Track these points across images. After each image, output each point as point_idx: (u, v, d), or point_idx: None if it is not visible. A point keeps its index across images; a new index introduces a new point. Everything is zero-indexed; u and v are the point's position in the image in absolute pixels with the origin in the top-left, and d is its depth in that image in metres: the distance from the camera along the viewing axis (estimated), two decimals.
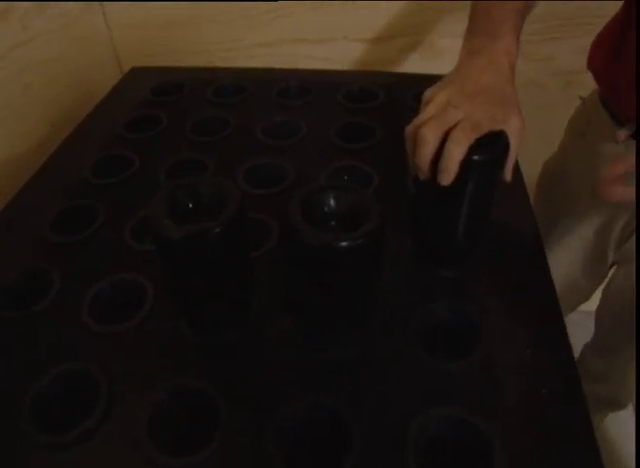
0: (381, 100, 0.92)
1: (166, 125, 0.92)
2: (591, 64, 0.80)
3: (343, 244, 0.43)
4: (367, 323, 0.57)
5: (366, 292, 0.52)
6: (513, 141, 0.54)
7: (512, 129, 0.53)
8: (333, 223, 0.47)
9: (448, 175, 0.50)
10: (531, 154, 1.02)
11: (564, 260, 0.98)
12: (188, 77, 1.04)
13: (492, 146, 0.53)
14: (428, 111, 0.53)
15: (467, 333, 0.56)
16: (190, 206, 0.49)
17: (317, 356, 0.55)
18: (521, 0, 0.63)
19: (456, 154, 0.49)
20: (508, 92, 0.55)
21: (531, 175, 1.01)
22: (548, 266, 0.65)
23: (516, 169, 0.78)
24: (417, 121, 0.53)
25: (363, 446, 0.47)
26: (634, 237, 0.84)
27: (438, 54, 1.13)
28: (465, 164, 0.51)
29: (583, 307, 1.10)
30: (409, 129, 0.54)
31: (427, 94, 0.56)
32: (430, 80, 0.60)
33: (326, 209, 0.47)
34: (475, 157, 0.51)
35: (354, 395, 0.51)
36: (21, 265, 0.66)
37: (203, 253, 0.47)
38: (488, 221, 0.62)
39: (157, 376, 0.53)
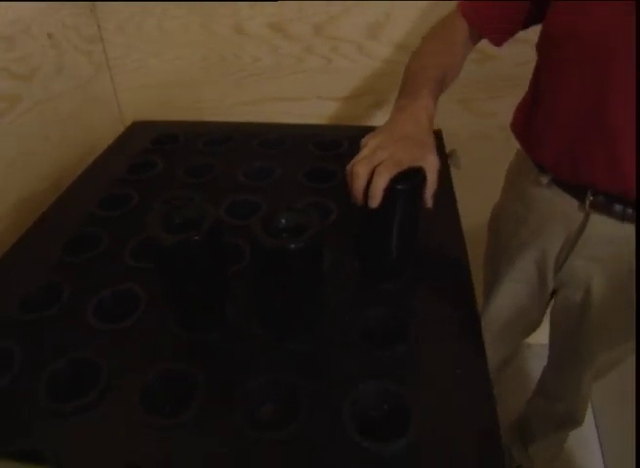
0: (345, 149, 1.09)
1: (162, 169, 1.08)
2: (513, 128, 0.97)
3: (290, 246, 0.58)
4: (318, 322, 0.71)
5: (313, 294, 0.66)
6: (430, 175, 0.69)
7: (429, 166, 0.69)
8: (284, 235, 0.62)
9: (374, 200, 0.65)
10: (481, 199, 1.18)
11: (512, 290, 1.11)
12: (183, 130, 1.22)
13: (412, 179, 0.68)
14: (362, 153, 0.69)
15: (398, 331, 0.70)
16: (177, 222, 0.63)
17: (278, 347, 0.69)
18: (438, 72, 0.80)
19: (379, 183, 0.64)
20: (425, 138, 0.71)
21: (485, 218, 1.17)
22: (472, 281, 0.79)
23: (451, 201, 0.94)
24: (353, 160, 0.69)
25: (308, 412, 0.60)
26: (567, 264, 0.98)
27: None
28: (391, 192, 0.66)
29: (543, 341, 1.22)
30: (348, 167, 0.69)
31: (363, 140, 0.72)
32: None
33: (280, 225, 0.62)
34: (398, 186, 0.67)
35: (306, 375, 0.64)
36: (40, 279, 0.80)
37: (188, 256, 0.62)
38: (417, 242, 0.77)
39: (147, 363, 0.66)
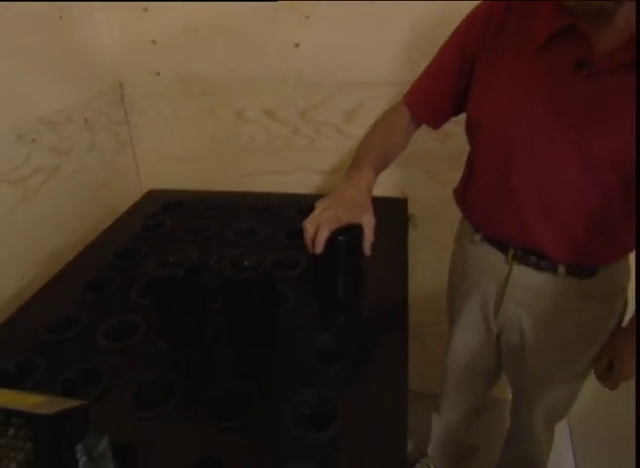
0: None
1: (169, 228, 1.31)
2: (455, 195, 1.18)
3: (249, 278, 0.78)
4: (274, 343, 0.90)
5: (270, 319, 0.86)
6: (366, 230, 0.89)
7: (365, 222, 0.89)
8: (248, 272, 0.82)
9: (317, 248, 0.85)
10: (447, 258, 1.36)
11: (465, 338, 1.28)
12: (189, 197, 1.46)
13: (351, 232, 0.88)
14: (313, 213, 0.90)
15: (338, 353, 0.89)
16: (171, 259, 0.85)
17: (241, 362, 0.88)
18: (381, 151, 1.02)
19: (320, 235, 0.85)
20: (363, 201, 0.92)
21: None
22: (407, 314, 0.98)
23: (403, 253, 1.14)
24: (306, 219, 0.90)
25: (257, 410, 0.78)
26: (502, 309, 1.14)
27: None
28: (333, 243, 0.87)
29: None
30: (302, 224, 0.90)
31: (316, 203, 0.93)
32: None
33: (244, 264, 0.83)
34: (339, 238, 0.87)
35: (259, 383, 0.83)
36: (64, 310, 1.01)
37: (174, 287, 0.82)
38: (361, 283, 0.97)
39: (142, 372, 0.85)
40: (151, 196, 1.52)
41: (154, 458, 0.72)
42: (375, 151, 1.02)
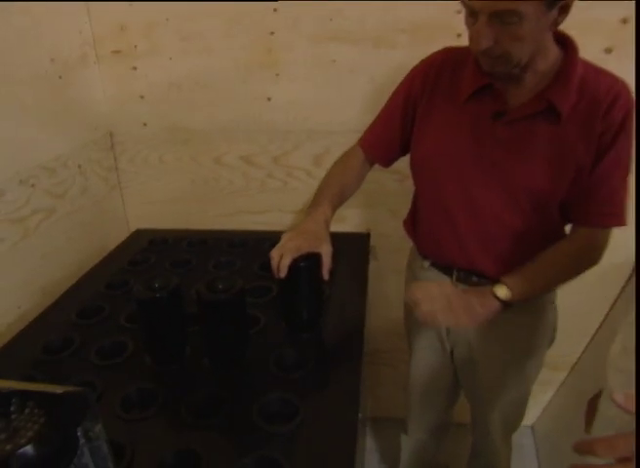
0: None
1: (153, 262, 1.44)
2: (405, 226, 1.34)
3: (221, 297, 0.92)
4: (245, 357, 1.03)
5: (242, 335, 0.99)
6: (324, 258, 1.04)
7: (324, 251, 1.04)
8: (222, 295, 0.96)
9: (281, 274, 1.00)
10: None
11: (423, 356, 1.42)
12: (172, 235, 1.60)
13: (310, 259, 1.03)
14: (278, 244, 1.05)
15: (300, 362, 1.02)
16: (157, 285, 0.98)
17: (215, 373, 1.01)
18: (337, 189, 1.18)
19: (283, 262, 1.00)
20: (322, 233, 1.07)
21: None
22: (363, 329, 1.12)
23: (362, 282, 1.29)
24: (273, 249, 1.05)
25: (228, 412, 0.91)
26: (452, 327, 1.29)
27: (343, 219, 1.69)
28: (295, 268, 1.01)
29: None
30: (269, 253, 1.05)
31: (282, 236, 1.08)
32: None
33: (219, 287, 0.97)
34: (300, 264, 1.02)
35: (233, 391, 0.96)
36: (59, 334, 1.14)
37: (159, 308, 0.96)
38: (321, 304, 1.11)
39: (129, 383, 0.98)
40: (138, 235, 1.66)
41: (141, 452, 0.84)
42: (332, 190, 1.18)
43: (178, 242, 1.57)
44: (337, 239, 1.09)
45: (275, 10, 1.44)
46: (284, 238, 1.06)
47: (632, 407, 0.50)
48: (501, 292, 1.01)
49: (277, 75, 1.52)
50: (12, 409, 0.61)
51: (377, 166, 1.28)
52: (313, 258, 1.04)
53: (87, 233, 1.56)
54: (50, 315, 1.23)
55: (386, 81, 1.45)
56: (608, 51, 1.34)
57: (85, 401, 0.65)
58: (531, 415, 2.06)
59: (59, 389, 0.62)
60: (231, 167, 1.68)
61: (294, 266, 1.02)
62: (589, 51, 1.01)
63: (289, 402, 0.92)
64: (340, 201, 1.18)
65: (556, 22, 0.88)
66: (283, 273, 1.01)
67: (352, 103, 1.52)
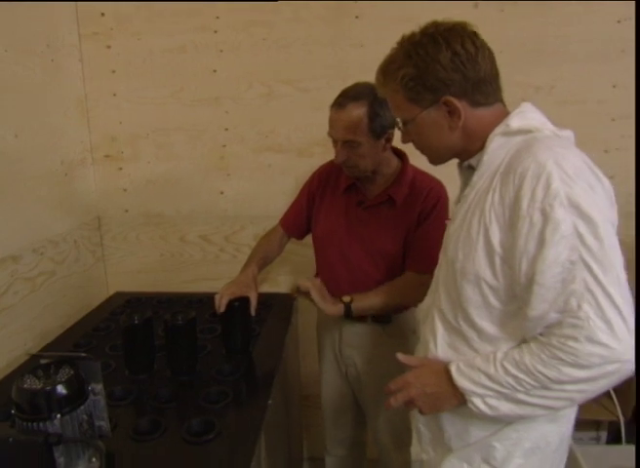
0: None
1: (129, 313, 1.88)
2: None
3: (180, 323, 1.39)
4: (195, 369, 1.47)
5: (194, 353, 1.45)
6: (252, 300, 1.52)
7: (252, 295, 1.52)
8: (181, 321, 1.42)
9: (221, 309, 1.47)
10: None
11: (328, 378, 1.82)
12: (145, 296, 2.06)
13: (242, 301, 1.51)
14: (220, 290, 1.52)
15: (235, 372, 1.46)
16: (135, 317, 1.44)
17: (176, 380, 1.44)
18: (262, 255, 1.68)
19: (222, 301, 1.47)
20: (250, 283, 1.55)
21: None
22: (281, 359, 1.57)
23: (285, 328, 1.75)
24: (216, 294, 1.52)
25: (183, 400, 1.34)
26: (342, 350, 1.73)
27: (277, 284, 2.17)
28: (231, 307, 1.49)
29: None
30: (214, 297, 1.52)
31: (223, 286, 1.56)
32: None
33: (178, 318, 1.44)
34: (235, 304, 1.50)
35: (186, 391, 1.39)
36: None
37: (136, 332, 1.41)
38: (250, 335, 1.57)
39: (114, 385, 1.40)
40: (117, 295, 2.10)
41: (123, 424, 1.25)
42: (259, 255, 1.69)
43: (149, 301, 2.02)
44: (270, 297, 1.57)
45: (227, 129, 2.01)
46: (224, 287, 1.54)
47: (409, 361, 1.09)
48: (346, 299, 1.49)
49: (228, 175, 2.07)
50: (51, 370, 1.05)
51: (303, 241, 1.80)
52: (244, 300, 1.52)
53: (77, 293, 2.00)
54: (49, 350, 1.65)
55: (306, 180, 2.00)
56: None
57: (96, 365, 1.09)
58: None
59: (82, 356, 1.07)
60: (192, 244, 2.17)
61: (230, 305, 1.49)
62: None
63: (223, 392, 1.36)
64: (264, 263, 1.69)
65: (385, 147, 1.45)
66: (222, 309, 1.48)
67: (282, 196, 2.06)
